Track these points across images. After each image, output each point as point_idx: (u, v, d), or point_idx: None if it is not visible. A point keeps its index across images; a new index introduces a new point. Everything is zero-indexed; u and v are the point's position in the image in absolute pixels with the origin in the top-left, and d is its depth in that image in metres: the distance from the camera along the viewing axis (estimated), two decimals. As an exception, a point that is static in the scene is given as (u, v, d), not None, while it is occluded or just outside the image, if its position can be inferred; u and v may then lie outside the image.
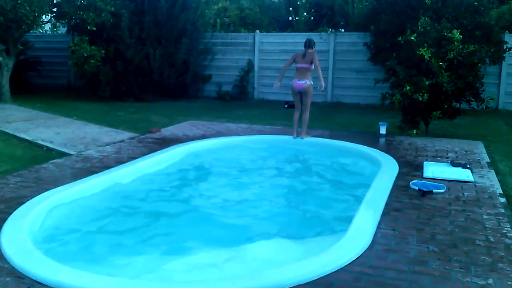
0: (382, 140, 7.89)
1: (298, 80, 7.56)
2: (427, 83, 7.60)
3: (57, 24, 15.42)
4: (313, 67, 7.53)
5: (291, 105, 9.68)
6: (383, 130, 8.21)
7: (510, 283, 3.10)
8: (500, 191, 5.12)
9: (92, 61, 12.45)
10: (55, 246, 3.86)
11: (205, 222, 4.60)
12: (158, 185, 5.71)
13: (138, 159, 6.26)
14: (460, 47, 7.58)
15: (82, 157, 6.43)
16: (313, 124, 8.67)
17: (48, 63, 15.80)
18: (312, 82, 7.57)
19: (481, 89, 8.14)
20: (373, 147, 7.09)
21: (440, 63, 7.54)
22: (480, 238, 3.82)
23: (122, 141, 7.62)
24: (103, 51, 12.69)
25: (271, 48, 14.13)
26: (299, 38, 12.96)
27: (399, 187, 5.19)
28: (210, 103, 13.58)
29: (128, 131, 8.59)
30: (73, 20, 13.50)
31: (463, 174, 5.63)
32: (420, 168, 6.02)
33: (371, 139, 7.81)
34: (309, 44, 7.56)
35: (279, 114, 11.16)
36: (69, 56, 13.14)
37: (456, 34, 7.62)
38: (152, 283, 3.25)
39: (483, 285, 3.07)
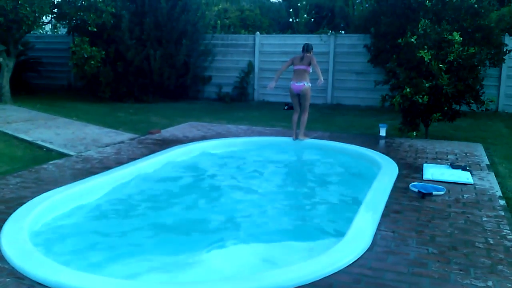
0: (382, 142, 7.89)
1: (296, 82, 7.57)
2: (427, 85, 7.60)
3: (58, 25, 15.42)
4: (310, 69, 7.57)
5: (291, 107, 9.69)
6: (383, 132, 8.21)
7: (509, 285, 3.10)
8: (499, 193, 5.13)
9: (92, 62, 12.46)
10: (55, 247, 3.87)
11: (204, 223, 4.61)
12: (159, 185, 5.71)
13: (138, 160, 6.27)
14: (460, 49, 7.59)
15: (82, 158, 6.44)
16: (313, 125, 8.68)
17: (48, 64, 15.79)
18: (310, 84, 7.58)
19: (481, 91, 8.14)
20: (373, 149, 7.10)
21: (440, 65, 7.55)
22: (480, 240, 3.83)
23: (122, 142, 7.63)
24: (104, 52, 12.69)
25: (272, 50, 14.14)
26: (300, 40, 12.99)
27: (399, 189, 5.20)
28: (210, 104, 13.59)
29: (128, 132, 8.60)
30: (74, 21, 13.49)
31: (463, 176, 5.64)
32: (420, 170, 6.02)
33: (371, 141, 7.81)
34: (307, 48, 7.59)
35: (279, 115, 11.17)
36: (69, 57, 13.14)
37: (456, 36, 7.63)
38: (151, 284, 3.26)
39: (483, 287, 3.07)
